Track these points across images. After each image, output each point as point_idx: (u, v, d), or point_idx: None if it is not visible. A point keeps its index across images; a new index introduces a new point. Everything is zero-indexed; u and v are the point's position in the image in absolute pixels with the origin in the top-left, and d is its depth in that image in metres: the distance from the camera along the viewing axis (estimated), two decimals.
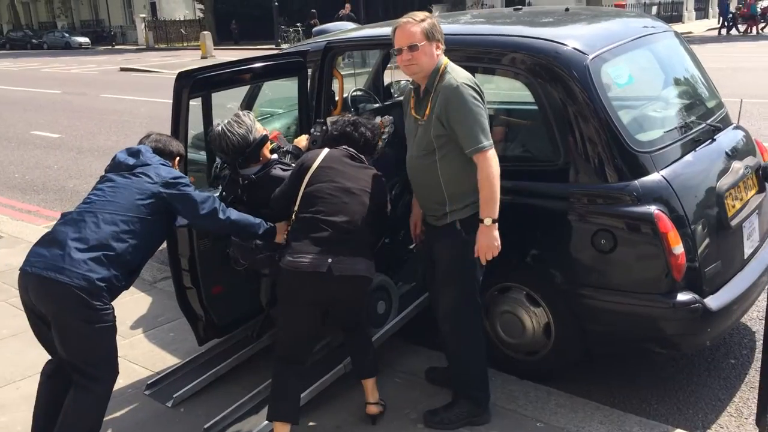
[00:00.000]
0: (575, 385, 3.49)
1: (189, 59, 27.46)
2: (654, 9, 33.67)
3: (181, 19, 43.58)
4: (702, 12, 41.28)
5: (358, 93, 5.36)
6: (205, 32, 30.05)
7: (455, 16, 5.08)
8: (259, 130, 3.32)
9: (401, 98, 5.57)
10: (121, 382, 3.67)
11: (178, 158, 3.23)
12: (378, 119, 3.44)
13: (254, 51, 29.70)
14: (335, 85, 4.50)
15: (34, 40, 46.79)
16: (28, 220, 7.17)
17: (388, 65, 5.52)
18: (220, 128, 3.27)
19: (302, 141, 3.62)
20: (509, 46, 3.47)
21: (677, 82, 3.86)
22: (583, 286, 3.25)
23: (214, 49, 28.52)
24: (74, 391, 2.83)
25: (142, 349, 4.10)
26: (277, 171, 3.28)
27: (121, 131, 12.21)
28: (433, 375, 3.55)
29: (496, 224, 2.86)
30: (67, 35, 45.57)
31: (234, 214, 3.04)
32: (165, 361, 3.94)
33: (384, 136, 3.43)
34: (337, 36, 4.48)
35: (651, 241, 3.05)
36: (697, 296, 3.08)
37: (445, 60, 2.97)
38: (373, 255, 3.02)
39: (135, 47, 40.49)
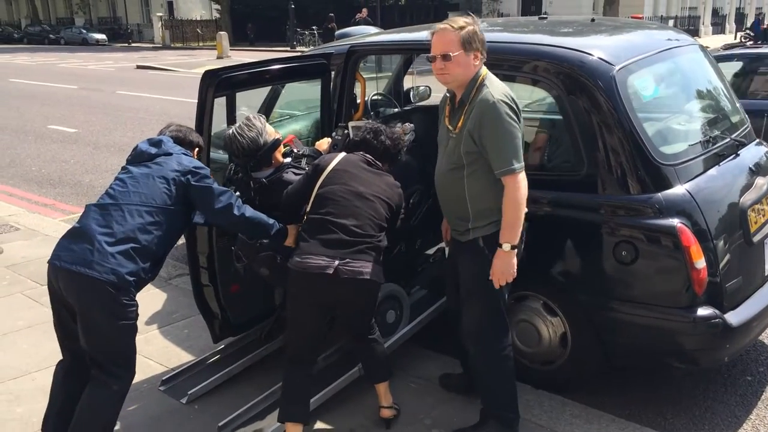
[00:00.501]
0: (590, 396, 3.47)
1: (205, 59, 27.60)
2: (671, 23, 33.59)
3: (198, 19, 43.86)
4: (719, 27, 41.17)
5: (378, 97, 5.38)
6: (221, 32, 30.21)
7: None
8: (271, 133, 3.30)
9: (422, 103, 5.63)
10: (136, 377, 3.68)
11: (197, 149, 3.25)
12: (399, 127, 3.42)
13: (269, 53, 29.85)
14: (357, 89, 4.50)
15: (51, 36, 47.15)
16: (45, 213, 7.22)
17: (409, 70, 5.53)
18: (231, 131, 3.27)
19: (323, 144, 3.62)
20: (533, 54, 3.47)
21: (701, 95, 3.85)
22: (602, 297, 3.24)
23: (230, 49, 28.62)
24: (91, 387, 2.85)
25: (156, 345, 4.11)
26: (289, 175, 3.27)
27: (137, 128, 12.28)
28: (446, 381, 3.53)
29: (515, 251, 2.79)
30: (84, 31, 45.90)
31: (249, 211, 3.03)
32: (180, 357, 3.95)
33: (406, 142, 3.41)
34: (361, 40, 4.49)
35: (673, 255, 3.04)
36: (717, 311, 3.06)
37: (484, 71, 2.86)
38: (382, 260, 2.97)
39: (151, 45, 40.74)
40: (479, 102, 2.79)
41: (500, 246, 2.79)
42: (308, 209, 3.02)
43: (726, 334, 3.08)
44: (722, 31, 40.93)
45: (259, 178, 3.28)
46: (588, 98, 3.23)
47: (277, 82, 4.01)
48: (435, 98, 5.75)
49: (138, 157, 3.01)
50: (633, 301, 3.17)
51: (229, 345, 3.88)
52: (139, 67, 25.56)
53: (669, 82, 3.69)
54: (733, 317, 3.12)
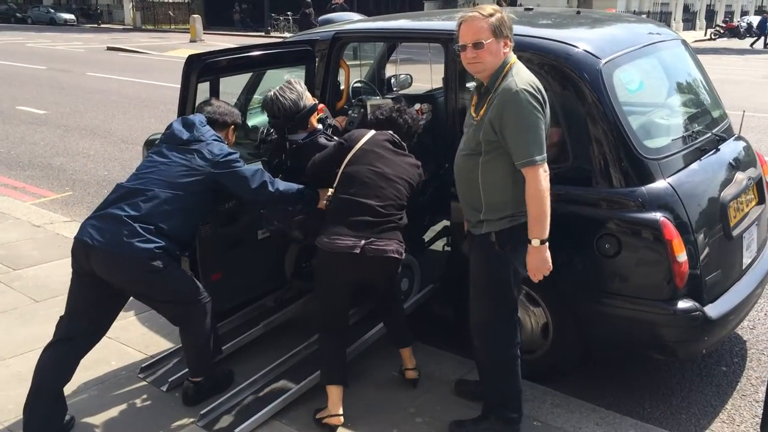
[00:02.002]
0: (570, 386, 3.51)
1: (177, 41, 27.20)
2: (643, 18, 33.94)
3: (170, 1, 43.09)
4: (690, 23, 41.73)
5: (359, 84, 5.35)
6: (195, 15, 29.75)
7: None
8: (309, 98, 3.44)
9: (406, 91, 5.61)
10: (114, 365, 3.67)
11: (232, 127, 3.35)
12: (417, 106, 3.57)
13: (244, 38, 29.50)
14: (341, 76, 4.46)
15: (18, 14, 45.98)
16: (15, 197, 7.05)
17: (391, 58, 5.50)
18: (272, 93, 3.39)
19: (338, 121, 3.76)
20: (518, 46, 3.44)
21: (684, 90, 3.89)
22: (584, 289, 3.28)
23: (204, 33, 28.21)
24: (182, 331, 3.17)
25: (135, 332, 4.05)
26: (322, 140, 3.42)
27: (108, 111, 12.05)
28: (463, 388, 3.42)
29: (546, 245, 2.72)
30: (52, 11, 44.86)
31: (281, 185, 3.19)
32: (159, 344, 3.90)
33: (421, 123, 3.52)
34: (345, 26, 4.45)
35: (655, 248, 3.07)
36: (697, 304, 3.11)
37: (513, 59, 2.81)
38: (403, 238, 3.12)
39: (122, 27, 39.99)
40: (502, 90, 2.71)
41: (530, 242, 2.73)
42: (335, 187, 3.16)
43: (705, 326, 3.13)
44: (693, 27, 41.50)
45: (295, 140, 3.42)
46: (574, 91, 3.25)
47: (261, 67, 3.97)
48: (416, 86, 5.77)
49: (170, 138, 3.12)
50: (614, 293, 3.20)
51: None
52: (109, 48, 25.05)
53: (652, 76, 3.72)
54: (712, 310, 3.17)
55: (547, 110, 2.78)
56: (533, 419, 3.19)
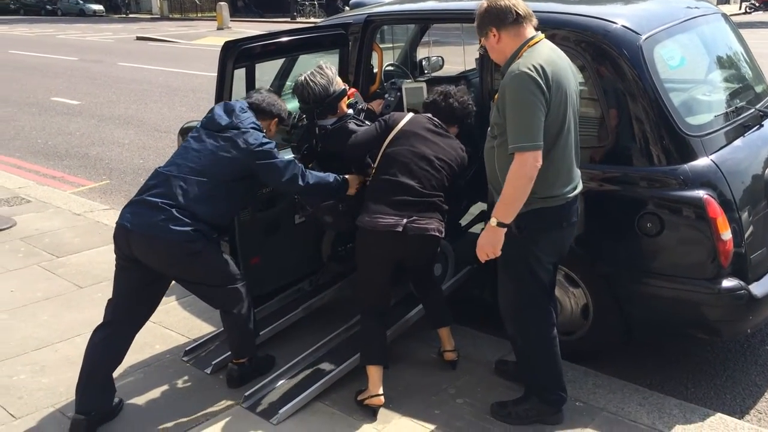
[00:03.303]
0: (610, 366, 3.50)
1: (205, 30, 27.36)
2: None
3: None
4: None
5: (391, 68, 5.33)
6: (221, 3, 29.83)
7: None
8: (339, 83, 3.44)
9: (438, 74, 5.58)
10: (158, 348, 3.74)
11: (276, 119, 3.35)
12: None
13: (270, 24, 29.55)
14: (374, 60, 4.45)
15: (48, 6, 46.54)
16: (55, 186, 7.19)
17: (423, 40, 5.47)
18: (303, 78, 3.39)
19: (374, 105, 3.76)
20: (555, 23, 3.40)
21: (725, 65, 3.81)
22: (625, 269, 3.24)
23: (231, 20, 28.31)
24: (223, 314, 3.22)
25: (177, 316, 4.12)
26: (352, 125, 3.41)
27: (141, 100, 12.19)
28: (503, 368, 3.42)
29: (503, 229, 2.68)
30: (81, 2, 45.29)
31: (312, 177, 3.21)
32: (201, 328, 3.97)
33: (471, 108, 3.47)
34: (378, 9, 4.42)
35: (699, 226, 3.03)
36: (742, 283, 3.07)
37: (535, 39, 2.72)
38: (444, 218, 3.15)
39: (149, 16, 40.32)
40: (507, 73, 2.70)
41: (489, 219, 2.72)
42: (375, 168, 3.20)
43: (750, 305, 3.09)
44: (727, 1, 40.45)
45: (324, 125, 3.41)
46: (614, 69, 3.20)
47: (297, 52, 3.97)
48: (448, 69, 5.74)
49: (210, 123, 3.14)
50: (657, 273, 3.17)
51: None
52: (138, 38, 25.29)
53: (693, 51, 3.64)
54: (758, 288, 3.12)
55: (555, 93, 2.63)
56: (575, 399, 3.19)
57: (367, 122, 3.48)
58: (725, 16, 3.95)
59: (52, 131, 10.01)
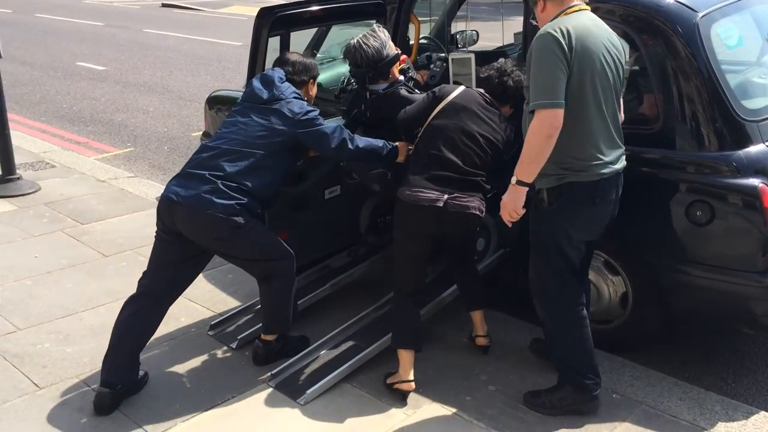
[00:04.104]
0: (647, 358, 3.37)
1: None
2: None
3: None
4: None
5: (424, 41, 5.17)
6: None
7: None
8: (392, 47, 3.34)
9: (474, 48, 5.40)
10: (183, 321, 3.69)
11: (311, 81, 3.28)
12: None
13: None
14: (411, 31, 4.30)
15: None
16: (79, 151, 7.15)
17: (458, 13, 5.29)
18: (355, 41, 3.31)
19: (419, 75, 3.69)
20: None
21: None
22: (671, 258, 3.11)
23: None
24: (265, 287, 3.18)
25: (201, 289, 4.05)
26: (404, 92, 3.33)
27: (165, 68, 12.08)
28: (537, 346, 3.35)
29: (524, 188, 2.64)
30: None
31: (361, 141, 3.14)
32: (225, 302, 3.90)
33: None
34: None
35: (753, 216, 2.88)
36: None
37: (574, 8, 2.67)
38: (486, 196, 3.03)
39: None
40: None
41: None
42: (419, 138, 3.07)
43: None
44: None
45: (376, 90, 3.33)
46: (667, 47, 3.04)
47: (332, 21, 3.84)
48: (482, 44, 5.56)
49: (251, 98, 3.10)
50: (704, 264, 3.03)
51: None
52: (164, 5, 25.05)
53: (748, 31, 3.45)
54: None
55: (579, 58, 2.57)
56: (612, 392, 3.08)
57: (417, 90, 3.37)
58: None
59: (77, 96, 9.96)
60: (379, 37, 3.31)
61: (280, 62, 3.25)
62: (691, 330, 3.58)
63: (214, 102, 5.51)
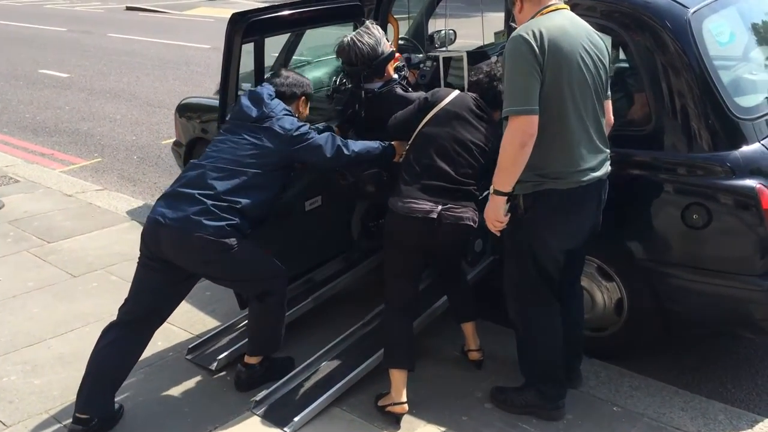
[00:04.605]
0: (643, 365, 3.27)
1: None
2: None
3: None
4: None
5: (401, 42, 5.02)
6: None
7: None
8: (387, 45, 3.23)
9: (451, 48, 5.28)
10: (160, 345, 3.49)
11: (303, 98, 3.15)
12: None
13: None
14: (390, 32, 4.15)
15: None
16: (44, 164, 6.87)
17: (434, 13, 5.16)
18: (348, 39, 3.20)
19: (409, 75, 3.58)
20: None
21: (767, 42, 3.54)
22: (667, 263, 3.01)
23: None
24: (255, 306, 3.03)
25: (179, 308, 3.71)
26: (399, 90, 3.22)
27: (132, 73, 11.77)
28: None
29: (503, 198, 2.56)
30: None
31: (356, 145, 3.05)
32: (204, 323, 3.71)
33: None
34: None
35: (751, 219, 2.79)
36: None
37: (550, 8, 2.57)
38: (478, 208, 2.88)
39: None
40: None
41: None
42: (410, 145, 2.95)
43: None
44: None
45: (371, 89, 3.24)
46: (658, 45, 2.93)
47: (308, 25, 3.67)
48: (459, 43, 5.43)
49: (240, 116, 2.99)
50: (701, 268, 2.94)
51: None
52: (128, 8, 24.57)
53: (737, 27, 3.36)
54: None
55: (552, 60, 2.47)
56: (612, 404, 2.97)
57: (410, 89, 3.27)
58: None
59: (41, 105, 9.63)
60: (373, 34, 3.20)
61: (272, 76, 3.16)
62: (686, 335, 3.48)
63: (185, 110, 5.31)
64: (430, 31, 5.37)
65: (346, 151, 3.00)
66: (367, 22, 3.31)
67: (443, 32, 5.47)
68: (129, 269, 4.28)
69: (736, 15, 3.32)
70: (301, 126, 2.96)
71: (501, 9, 3.50)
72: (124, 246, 4.67)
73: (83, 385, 2.80)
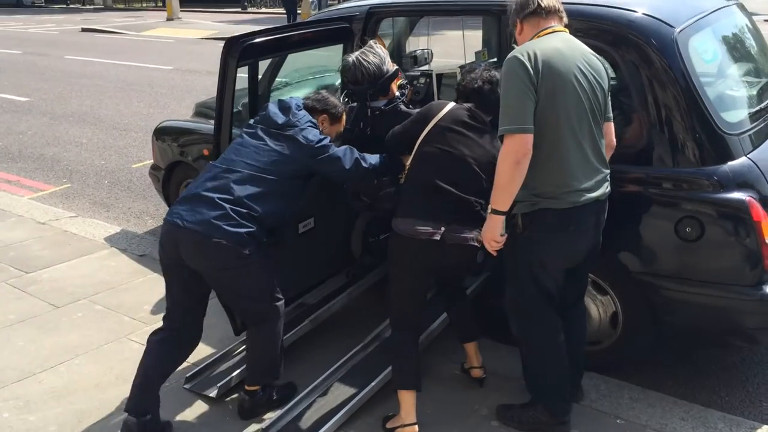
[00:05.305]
0: (639, 377, 3.33)
1: (154, 20, 26.44)
2: None
3: None
4: None
5: None
6: None
7: None
8: (390, 63, 3.29)
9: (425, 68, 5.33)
10: None
11: (325, 115, 3.18)
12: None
13: (221, 14, 28.76)
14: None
15: None
16: (12, 191, 6.69)
17: (421, 33, 5.23)
18: (353, 58, 3.24)
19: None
20: (579, 15, 3.20)
21: (749, 59, 3.67)
22: (661, 276, 3.07)
23: (180, 10, 27.42)
24: (253, 332, 3.03)
25: None
26: (403, 107, 3.26)
27: (94, 96, 11.59)
28: None
29: (501, 217, 2.60)
30: None
31: (372, 158, 3.10)
32: (198, 350, 3.51)
33: None
34: (381, 0, 4.14)
35: (743, 231, 2.88)
36: None
37: (546, 31, 2.65)
38: (482, 225, 2.85)
39: (92, 7, 38.78)
40: None
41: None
42: (409, 166, 2.94)
43: None
44: None
45: (378, 107, 3.27)
46: (648, 64, 3.02)
47: (300, 48, 3.67)
48: (436, 62, 5.49)
49: (266, 121, 3.03)
50: (695, 280, 3.01)
51: None
52: (84, 30, 24.25)
53: (720, 45, 3.48)
54: None
55: (546, 81, 2.53)
56: (615, 417, 3.01)
57: (410, 106, 3.32)
58: (742, 7, 3.82)
59: (1, 131, 9.38)
60: (377, 53, 3.24)
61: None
62: (679, 347, 3.56)
63: (162, 133, 5.25)
64: (407, 51, 5.43)
65: (363, 164, 3.04)
66: (371, 41, 3.34)
67: (419, 52, 5.54)
68: (114, 298, 4.24)
69: (716, 33, 3.44)
70: (324, 138, 3.00)
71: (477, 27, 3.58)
72: (106, 274, 4.58)
73: (136, 383, 2.91)
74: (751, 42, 3.70)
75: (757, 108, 3.27)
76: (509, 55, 2.61)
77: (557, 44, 2.63)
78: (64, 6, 40.31)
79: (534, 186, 2.61)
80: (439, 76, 3.67)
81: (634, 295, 3.20)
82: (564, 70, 2.57)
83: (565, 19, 2.76)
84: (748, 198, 2.87)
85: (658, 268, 3.08)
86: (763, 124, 3.20)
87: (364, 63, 3.20)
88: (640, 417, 3.00)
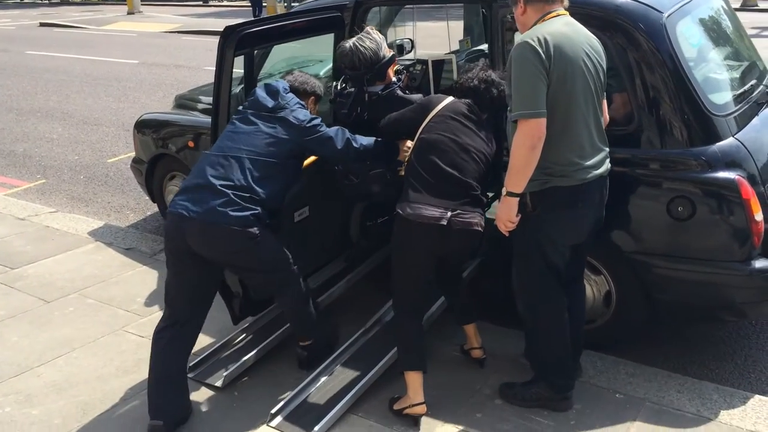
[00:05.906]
0: (632, 354, 3.43)
1: (113, 14, 25.91)
2: None
3: None
4: None
5: None
6: None
7: None
8: (386, 48, 3.33)
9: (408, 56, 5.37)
10: None
11: (313, 98, 3.23)
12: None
13: (183, 8, 28.32)
14: None
15: None
16: None
17: (406, 23, 5.26)
18: (350, 44, 3.27)
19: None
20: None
21: (730, 43, 3.79)
22: (654, 254, 3.17)
23: (141, 4, 26.92)
24: (280, 299, 3.20)
25: None
26: (399, 93, 3.30)
27: (60, 91, 11.35)
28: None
29: (515, 199, 2.69)
30: None
31: (363, 140, 3.13)
32: (199, 340, 3.57)
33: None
34: None
35: (733, 208, 2.98)
36: None
37: (552, 14, 2.71)
38: (484, 211, 2.96)
39: (48, 2, 37.84)
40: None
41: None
42: (413, 152, 2.98)
43: None
44: None
45: (375, 92, 3.31)
46: (638, 49, 3.10)
47: (294, 37, 3.68)
48: (425, 53, 5.53)
49: (256, 105, 3.06)
50: (687, 257, 3.11)
51: (251, 324, 3.61)
52: (42, 24, 23.66)
53: (704, 29, 3.59)
54: None
55: (557, 65, 2.60)
56: (614, 392, 3.10)
57: (407, 91, 3.36)
58: None
59: None
60: (374, 38, 3.29)
61: (288, 73, 3.27)
62: (670, 323, 3.67)
63: (143, 126, 5.20)
64: (389, 40, 5.46)
65: (355, 144, 3.09)
66: (368, 27, 3.38)
67: (398, 42, 5.57)
68: (104, 291, 4.21)
69: (700, 18, 3.54)
70: (314, 118, 3.05)
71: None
72: (94, 268, 4.53)
73: (149, 394, 2.90)
74: (730, 26, 3.82)
75: (741, 90, 3.39)
76: (519, 41, 2.65)
77: (563, 29, 2.69)
78: (19, 1, 39.25)
79: (546, 165, 2.69)
80: (436, 62, 3.71)
81: (627, 274, 3.30)
82: (573, 55, 2.64)
83: (566, 2, 2.81)
84: (737, 177, 2.98)
85: (651, 247, 3.18)
86: (746, 106, 3.32)
87: (361, 48, 3.23)
88: (637, 391, 3.10)
